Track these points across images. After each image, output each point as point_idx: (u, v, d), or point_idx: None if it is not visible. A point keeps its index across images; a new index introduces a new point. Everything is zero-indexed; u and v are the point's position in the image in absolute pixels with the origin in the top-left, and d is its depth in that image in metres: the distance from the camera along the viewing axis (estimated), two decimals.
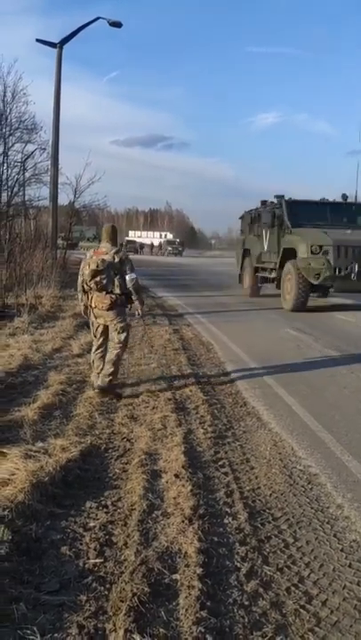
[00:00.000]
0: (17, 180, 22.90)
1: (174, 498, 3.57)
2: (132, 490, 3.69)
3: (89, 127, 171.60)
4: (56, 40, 19.80)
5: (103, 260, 5.71)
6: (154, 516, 3.36)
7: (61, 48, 20.01)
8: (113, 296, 5.76)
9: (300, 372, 7.40)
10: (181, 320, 11.86)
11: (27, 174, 23.54)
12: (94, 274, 5.70)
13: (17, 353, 7.47)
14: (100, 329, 6.02)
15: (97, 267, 5.69)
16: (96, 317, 5.96)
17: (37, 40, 20.26)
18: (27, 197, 24.50)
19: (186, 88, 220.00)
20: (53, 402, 5.53)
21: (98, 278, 5.71)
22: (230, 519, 3.38)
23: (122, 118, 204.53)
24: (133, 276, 5.82)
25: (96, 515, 3.39)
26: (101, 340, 6.05)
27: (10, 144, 22.07)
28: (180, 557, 2.91)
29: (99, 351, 6.08)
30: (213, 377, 6.94)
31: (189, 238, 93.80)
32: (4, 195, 22.04)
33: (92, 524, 3.28)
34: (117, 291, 5.78)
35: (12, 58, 24.78)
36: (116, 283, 5.77)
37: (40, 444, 4.43)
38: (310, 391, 6.46)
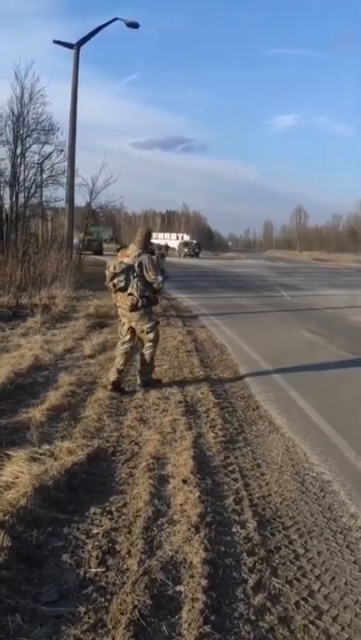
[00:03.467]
0: (34, 181, 22.99)
1: (181, 504, 3.46)
2: (138, 495, 3.58)
3: (108, 129, 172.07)
4: (74, 42, 19.93)
5: (121, 263, 5.95)
6: (159, 523, 3.24)
7: (78, 49, 20.05)
8: (134, 298, 5.93)
9: (314, 375, 7.25)
10: (195, 321, 11.75)
11: (44, 175, 23.68)
12: (112, 276, 5.95)
13: (28, 353, 7.42)
14: (125, 327, 6.23)
15: (114, 269, 5.93)
16: (122, 316, 6.23)
17: (55, 41, 20.32)
18: (44, 198, 24.64)
19: (206, 90, 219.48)
20: (62, 403, 5.44)
21: (115, 280, 5.94)
22: (239, 528, 3.25)
23: (141, 120, 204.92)
24: (159, 279, 5.99)
25: (100, 521, 3.29)
26: (127, 337, 6.22)
27: (27, 145, 22.19)
28: (184, 568, 2.79)
29: (122, 348, 6.23)
30: (226, 379, 6.82)
31: (206, 240, 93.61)
32: (21, 196, 22.13)
33: (95, 531, 3.18)
34: (136, 293, 5.92)
35: (31, 60, 24.98)
36: (134, 286, 5.92)
37: (46, 447, 4.35)
38: (324, 395, 6.30)
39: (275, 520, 3.39)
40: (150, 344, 6.16)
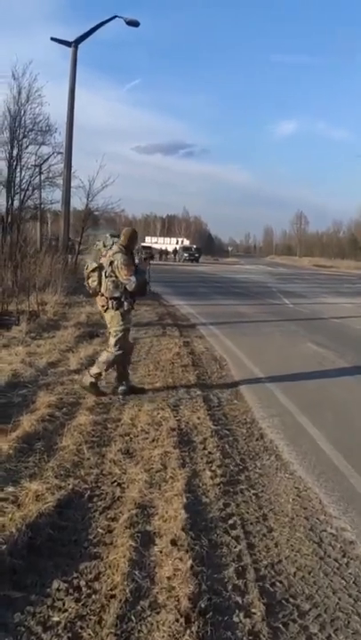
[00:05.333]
0: (30, 182, 22.28)
1: (169, 578, 2.72)
2: (115, 563, 2.84)
3: (110, 134, 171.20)
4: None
5: (94, 262, 5.86)
6: (139, 609, 2.50)
7: (77, 47, 19.38)
8: (105, 298, 5.83)
9: (324, 395, 6.52)
10: (193, 331, 11.01)
11: (41, 177, 22.99)
12: (87, 276, 5.91)
13: (7, 368, 6.69)
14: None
15: (87, 268, 5.94)
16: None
17: (52, 39, 19.68)
18: (40, 200, 23.98)
19: (208, 96, 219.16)
20: (37, 430, 4.71)
21: (90, 280, 5.88)
22: (242, 616, 2.51)
23: (143, 125, 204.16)
24: (132, 279, 5.69)
25: (63, 603, 2.55)
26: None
27: (24, 146, 21.46)
28: None
29: None
30: (225, 401, 6.07)
31: (206, 245, 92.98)
32: (17, 198, 21.38)
33: (55, 619, 2.44)
34: (106, 294, 5.81)
35: (29, 60, 24.35)
36: (104, 286, 5.80)
37: (10, 489, 3.64)
38: (338, 421, 5.57)
39: (288, 602, 2.65)
40: (110, 349, 5.89)
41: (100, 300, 5.90)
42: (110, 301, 5.79)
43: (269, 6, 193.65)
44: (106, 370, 5.93)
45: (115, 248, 5.83)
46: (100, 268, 5.78)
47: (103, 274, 5.76)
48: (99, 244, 6.02)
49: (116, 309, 5.82)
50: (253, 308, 15.74)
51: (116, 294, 5.77)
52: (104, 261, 5.79)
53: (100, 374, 5.90)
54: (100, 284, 5.79)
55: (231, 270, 44.18)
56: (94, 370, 5.88)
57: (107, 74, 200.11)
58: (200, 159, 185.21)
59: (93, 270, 5.80)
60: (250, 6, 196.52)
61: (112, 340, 5.88)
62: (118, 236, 6.03)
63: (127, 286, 5.73)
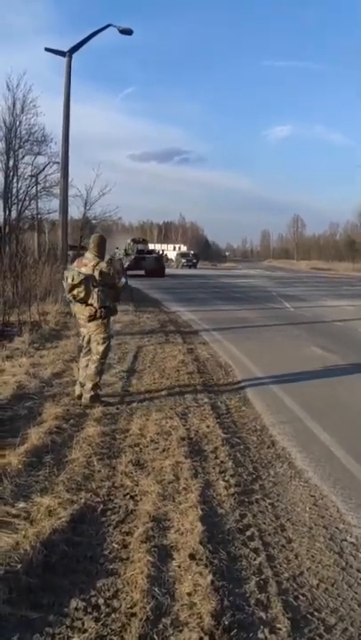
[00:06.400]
0: (27, 193, 22.29)
1: (189, 594, 2.65)
2: (134, 580, 2.77)
3: (105, 143, 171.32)
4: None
5: (79, 273, 5.73)
6: (161, 627, 2.43)
7: (71, 56, 19.43)
8: (92, 308, 5.80)
9: (333, 400, 6.45)
10: (196, 338, 10.94)
11: (37, 187, 23.02)
12: (71, 287, 5.72)
13: (11, 380, 6.62)
14: (86, 337, 6.11)
15: (72, 280, 5.70)
16: (81, 327, 6.16)
17: (46, 49, 19.71)
18: (37, 210, 24.00)
19: (203, 102, 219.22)
20: (45, 443, 4.64)
21: (75, 291, 5.73)
22: (267, 632, 2.43)
23: (138, 133, 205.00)
24: (123, 281, 6.00)
25: (82, 623, 2.47)
26: (88, 348, 6.08)
27: (20, 156, 21.48)
28: None
29: (84, 359, 6.09)
30: (234, 408, 6.01)
31: (203, 250, 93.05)
32: (14, 209, 21.36)
33: None
34: (96, 304, 5.78)
35: (23, 70, 24.38)
36: (95, 295, 5.75)
37: (21, 505, 3.57)
38: (349, 425, 5.50)
39: (313, 616, 2.57)
40: (98, 356, 5.92)
41: (86, 310, 5.85)
42: (99, 310, 5.82)
43: (266, 12, 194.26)
44: (99, 380, 5.99)
45: (90, 256, 5.93)
46: (86, 279, 5.71)
47: (91, 285, 5.74)
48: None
49: (104, 318, 5.90)
50: (255, 312, 15.67)
51: (107, 303, 5.85)
52: (86, 271, 5.79)
53: (96, 385, 5.93)
54: (87, 294, 5.74)
55: (230, 275, 44.16)
56: (88, 385, 5.90)
57: (100, 84, 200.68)
58: (196, 166, 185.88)
59: (80, 282, 5.69)
60: (246, 12, 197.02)
61: (100, 348, 5.92)
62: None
63: (119, 285, 5.98)
